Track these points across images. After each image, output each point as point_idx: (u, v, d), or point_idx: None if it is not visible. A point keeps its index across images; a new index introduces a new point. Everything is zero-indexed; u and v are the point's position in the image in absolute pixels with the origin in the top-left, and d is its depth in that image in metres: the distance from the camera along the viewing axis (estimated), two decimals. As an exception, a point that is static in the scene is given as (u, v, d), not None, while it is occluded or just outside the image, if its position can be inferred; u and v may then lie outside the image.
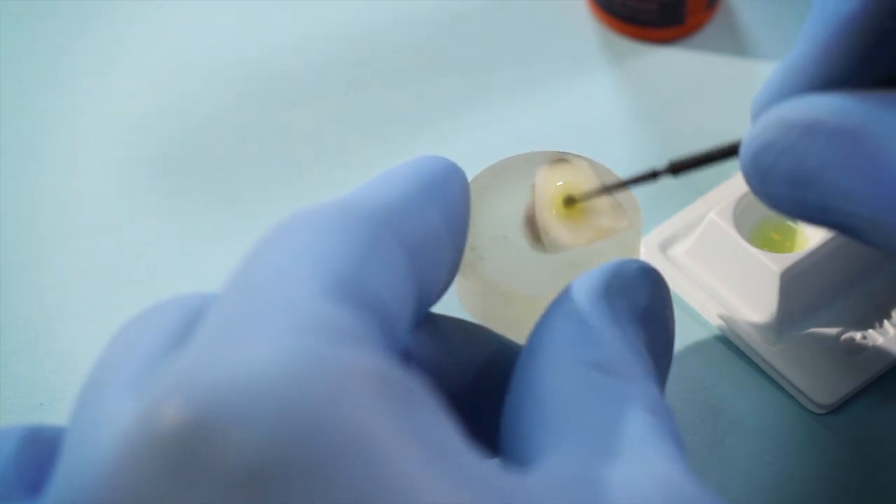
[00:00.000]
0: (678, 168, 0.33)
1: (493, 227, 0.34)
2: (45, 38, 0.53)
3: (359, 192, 0.28)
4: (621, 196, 0.35)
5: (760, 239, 0.44)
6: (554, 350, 0.27)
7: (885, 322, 0.44)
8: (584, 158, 0.35)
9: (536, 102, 0.50)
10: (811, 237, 0.44)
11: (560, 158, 0.35)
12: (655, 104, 0.51)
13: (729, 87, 0.51)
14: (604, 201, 0.35)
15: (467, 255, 0.33)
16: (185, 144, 0.50)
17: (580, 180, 0.35)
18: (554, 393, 0.26)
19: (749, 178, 0.31)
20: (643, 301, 0.29)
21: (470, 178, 0.33)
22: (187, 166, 0.49)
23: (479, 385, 0.31)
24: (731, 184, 0.46)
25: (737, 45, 0.52)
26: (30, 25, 0.53)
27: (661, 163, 0.46)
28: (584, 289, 0.29)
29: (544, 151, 0.35)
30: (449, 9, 0.53)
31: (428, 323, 0.31)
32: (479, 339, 0.32)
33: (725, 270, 0.44)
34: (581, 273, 0.30)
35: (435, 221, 0.29)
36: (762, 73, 0.51)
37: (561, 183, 0.34)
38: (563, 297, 0.29)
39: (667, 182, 0.46)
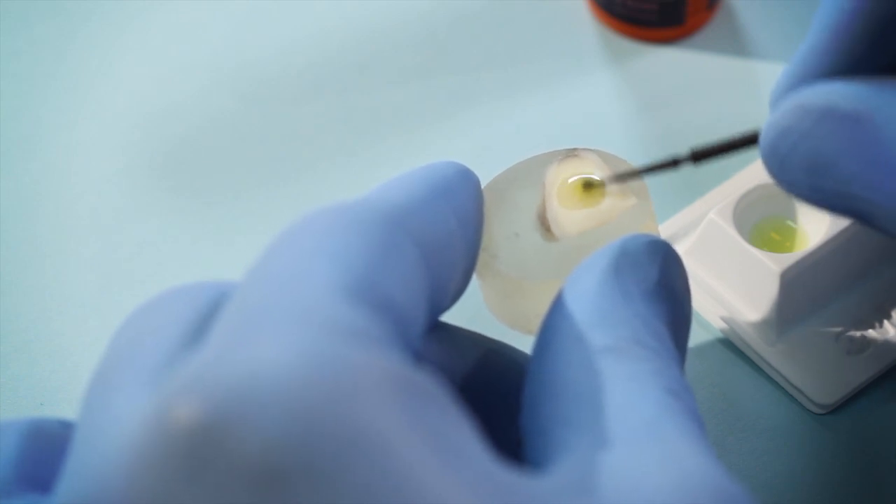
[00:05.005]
0: (699, 156, 0.33)
1: (506, 227, 0.34)
2: (46, 39, 0.53)
3: (373, 195, 0.28)
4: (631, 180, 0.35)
5: (760, 239, 0.44)
6: (565, 339, 0.27)
7: (885, 322, 0.43)
8: (595, 151, 0.35)
9: (536, 102, 0.50)
10: (811, 237, 0.44)
11: (570, 154, 0.35)
12: (656, 104, 0.51)
13: (729, 87, 0.51)
14: (609, 187, 0.35)
15: (481, 256, 0.33)
16: (185, 144, 0.50)
17: (590, 172, 0.35)
18: (567, 385, 0.26)
19: (768, 165, 0.31)
20: (654, 275, 0.29)
21: (478, 176, 0.34)
22: (188, 166, 0.50)
23: (488, 394, 0.31)
24: (731, 184, 0.46)
25: (737, 46, 0.52)
26: (30, 26, 0.54)
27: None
28: (591, 270, 0.28)
29: (556, 150, 0.35)
30: (449, 8, 0.53)
31: (438, 330, 0.31)
32: (489, 348, 0.32)
33: (725, 270, 0.44)
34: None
35: (449, 225, 0.29)
36: (762, 73, 0.51)
37: (572, 179, 0.35)
38: (572, 282, 0.29)
39: (666, 182, 0.47)
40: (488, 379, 0.31)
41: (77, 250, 0.48)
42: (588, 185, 0.35)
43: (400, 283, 0.26)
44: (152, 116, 0.51)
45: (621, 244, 0.29)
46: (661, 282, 0.29)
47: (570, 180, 0.35)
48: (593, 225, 0.34)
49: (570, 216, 0.34)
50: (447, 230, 0.29)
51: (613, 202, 0.34)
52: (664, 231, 0.46)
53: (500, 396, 0.31)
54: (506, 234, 0.34)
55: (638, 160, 0.46)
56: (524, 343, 0.33)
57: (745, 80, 0.51)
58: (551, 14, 0.53)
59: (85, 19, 0.53)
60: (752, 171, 0.45)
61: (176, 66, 0.52)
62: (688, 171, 0.47)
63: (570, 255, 0.33)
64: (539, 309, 0.33)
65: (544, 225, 0.34)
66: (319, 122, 0.50)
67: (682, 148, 0.46)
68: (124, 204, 0.49)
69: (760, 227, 0.44)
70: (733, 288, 0.44)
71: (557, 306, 0.28)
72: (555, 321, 0.28)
